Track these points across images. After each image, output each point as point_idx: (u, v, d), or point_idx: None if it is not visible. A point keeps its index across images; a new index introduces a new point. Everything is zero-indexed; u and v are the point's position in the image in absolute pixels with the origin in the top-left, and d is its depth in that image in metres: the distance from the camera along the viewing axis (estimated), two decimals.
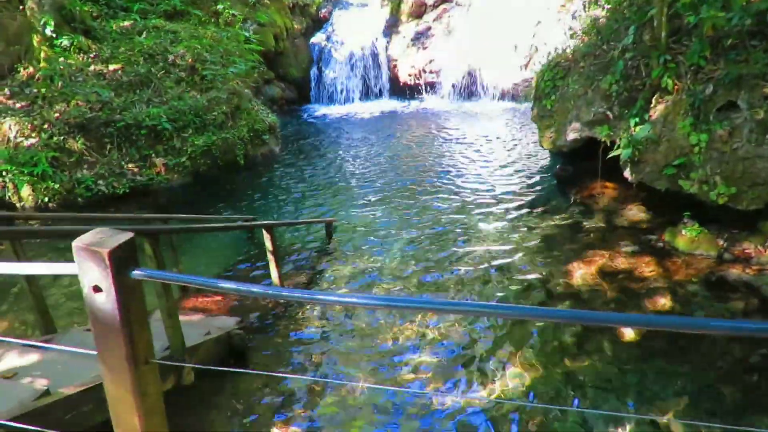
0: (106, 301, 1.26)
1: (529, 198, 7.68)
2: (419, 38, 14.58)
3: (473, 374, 4.15)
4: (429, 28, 14.55)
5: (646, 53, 5.87)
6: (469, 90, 13.88)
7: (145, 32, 10.30)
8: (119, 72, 9.21)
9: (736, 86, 5.22)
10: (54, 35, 9.20)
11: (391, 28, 15.02)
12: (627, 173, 6.19)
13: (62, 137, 7.96)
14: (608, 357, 4.25)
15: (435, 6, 14.70)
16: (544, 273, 5.52)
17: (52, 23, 9.10)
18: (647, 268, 5.35)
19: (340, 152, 10.96)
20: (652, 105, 5.90)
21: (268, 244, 4.91)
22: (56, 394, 2.60)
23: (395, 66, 14.82)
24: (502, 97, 13.55)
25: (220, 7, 12.42)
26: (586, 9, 8.73)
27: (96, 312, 1.29)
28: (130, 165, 8.22)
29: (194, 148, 8.58)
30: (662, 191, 6.10)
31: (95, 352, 1.40)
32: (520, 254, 5.99)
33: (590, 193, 7.39)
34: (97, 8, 10.74)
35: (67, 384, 2.83)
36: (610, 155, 6.20)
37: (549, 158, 9.28)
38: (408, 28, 14.88)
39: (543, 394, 3.92)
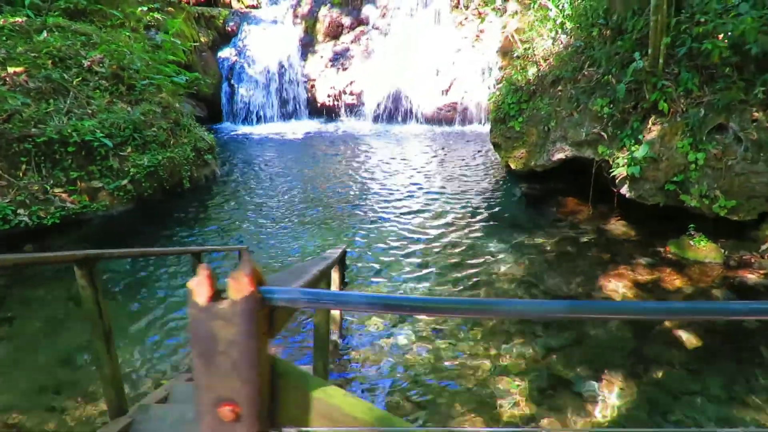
0: None
1: (508, 217, 7.74)
2: (338, 59, 14.25)
3: (568, 401, 3.94)
4: (347, 49, 14.31)
5: (642, 78, 6.34)
6: (392, 113, 13.87)
7: (45, 31, 8.54)
8: (22, 77, 7.48)
9: (726, 110, 5.85)
10: None
11: (307, 47, 14.49)
12: (624, 190, 6.56)
13: None
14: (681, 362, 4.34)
15: (352, 28, 14.50)
16: (580, 289, 5.55)
17: None
18: (671, 277, 5.66)
19: (281, 174, 10.13)
20: (647, 126, 6.36)
21: (335, 276, 4.20)
22: None
23: (313, 86, 14.29)
24: (427, 120, 13.76)
25: (137, 9, 10.87)
26: (528, 31, 9.26)
27: None
28: (56, 190, 6.63)
29: (137, 169, 7.22)
30: (645, 207, 6.60)
31: None
32: (536, 271, 5.96)
33: (568, 210, 7.73)
34: None
35: None
36: (612, 173, 6.52)
37: (503, 179, 9.56)
38: (325, 48, 14.48)
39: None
